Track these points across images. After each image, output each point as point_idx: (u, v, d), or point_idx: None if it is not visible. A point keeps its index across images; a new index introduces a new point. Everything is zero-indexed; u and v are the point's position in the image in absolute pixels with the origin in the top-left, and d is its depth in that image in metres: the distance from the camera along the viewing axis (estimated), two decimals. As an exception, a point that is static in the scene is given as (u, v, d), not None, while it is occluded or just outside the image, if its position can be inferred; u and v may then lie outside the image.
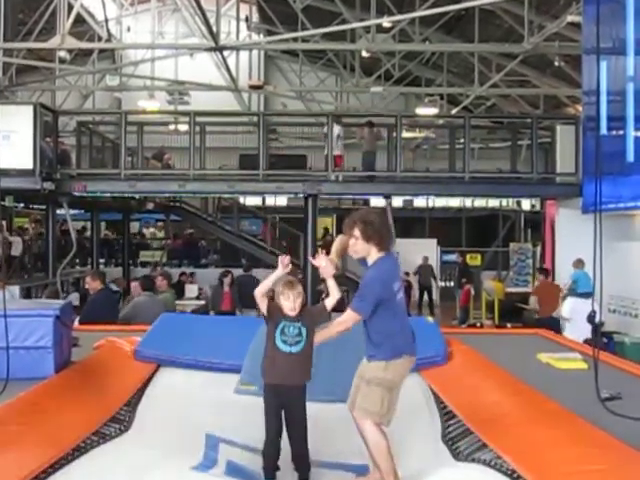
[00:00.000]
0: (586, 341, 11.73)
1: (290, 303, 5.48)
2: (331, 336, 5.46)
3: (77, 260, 23.88)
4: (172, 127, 28.63)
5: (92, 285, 11.02)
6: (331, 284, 5.60)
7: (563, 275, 15.56)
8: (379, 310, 5.28)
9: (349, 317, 5.33)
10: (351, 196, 26.77)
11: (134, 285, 12.22)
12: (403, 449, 5.58)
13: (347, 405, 5.54)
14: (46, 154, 16.00)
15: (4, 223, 19.45)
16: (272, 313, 5.53)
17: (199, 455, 5.52)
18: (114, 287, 13.95)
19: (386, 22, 20.41)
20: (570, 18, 17.16)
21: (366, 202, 33.21)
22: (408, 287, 23.06)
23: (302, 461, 5.48)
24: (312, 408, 5.76)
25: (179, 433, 5.88)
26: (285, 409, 5.48)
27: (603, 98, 12.86)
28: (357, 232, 5.42)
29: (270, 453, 5.45)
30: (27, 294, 16.92)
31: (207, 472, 5.26)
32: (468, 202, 33.80)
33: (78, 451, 4.95)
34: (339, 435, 5.94)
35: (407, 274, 23.79)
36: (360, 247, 5.45)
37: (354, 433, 5.50)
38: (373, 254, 5.45)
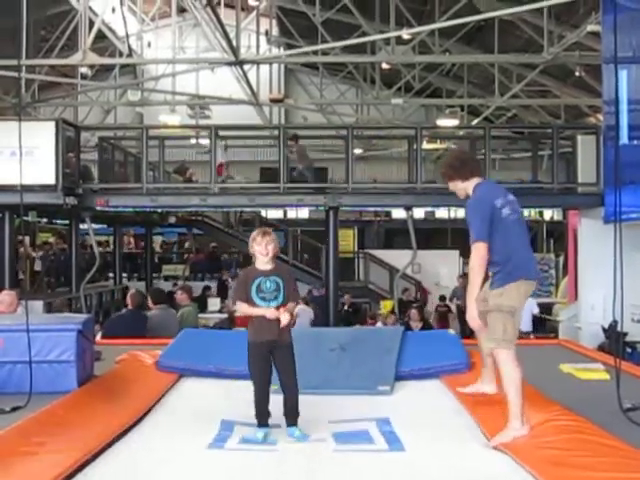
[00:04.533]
0: (601, 347, 11.73)
1: (262, 248, 5.71)
2: (477, 279, 5.44)
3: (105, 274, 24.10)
4: (193, 141, 28.78)
5: (128, 302, 11.17)
6: None
7: (586, 286, 15.49)
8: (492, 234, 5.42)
9: (478, 249, 5.39)
10: (372, 208, 26.72)
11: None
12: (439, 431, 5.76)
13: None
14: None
15: (27, 238, 19.60)
16: (245, 282, 5.77)
17: (214, 435, 5.64)
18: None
19: (406, 34, 20.41)
20: (590, 27, 17.12)
21: (388, 214, 33.27)
22: (447, 311, 21.99)
23: (293, 412, 5.74)
24: (333, 399, 6.55)
25: (197, 422, 5.99)
26: (276, 364, 5.74)
27: (624, 107, 12.81)
28: (446, 181, 5.86)
29: (259, 406, 5.71)
30: (50, 309, 17.00)
31: (222, 446, 5.36)
32: (490, 213, 33.67)
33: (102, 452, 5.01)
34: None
35: (443, 299, 22.96)
36: (455, 188, 5.83)
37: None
38: (468, 186, 5.72)
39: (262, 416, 5.72)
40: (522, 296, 5.54)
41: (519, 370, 5.37)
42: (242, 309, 5.78)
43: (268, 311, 5.65)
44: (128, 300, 11.18)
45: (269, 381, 5.75)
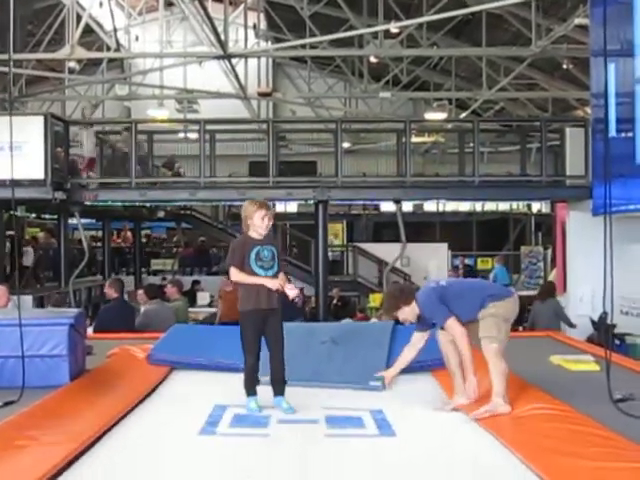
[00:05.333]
0: (590, 339, 11.78)
1: (265, 221, 5.82)
2: (469, 353, 5.98)
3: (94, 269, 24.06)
4: (182, 135, 28.72)
5: (108, 292, 11.13)
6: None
7: (575, 278, 15.56)
8: (452, 305, 6.00)
9: (452, 327, 5.97)
10: (361, 202, 26.76)
11: (139, 293, 12.27)
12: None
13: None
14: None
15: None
16: (242, 249, 5.82)
17: (206, 419, 5.68)
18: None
19: (394, 28, 20.41)
20: (578, 21, 17.17)
21: (377, 207, 33.28)
22: None
23: (281, 381, 5.90)
24: (326, 390, 6.68)
25: (189, 410, 6.03)
26: (267, 331, 5.85)
27: (612, 100, 12.85)
28: (395, 314, 6.37)
29: (251, 374, 5.86)
30: (40, 304, 16.97)
31: (214, 431, 5.40)
32: (478, 206, 33.71)
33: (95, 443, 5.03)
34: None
35: None
36: (405, 316, 6.29)
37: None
38: (413, 307, 6.18)
39: (252, 384, 5.84)
40: (513, 308, 6.12)
41: (506, 363, 5.78)
42: (240, 278, 5.79)
43: (271, 282, 5.70)
44: (109, 290, 11.15)
45: (260, 348, 5.84)
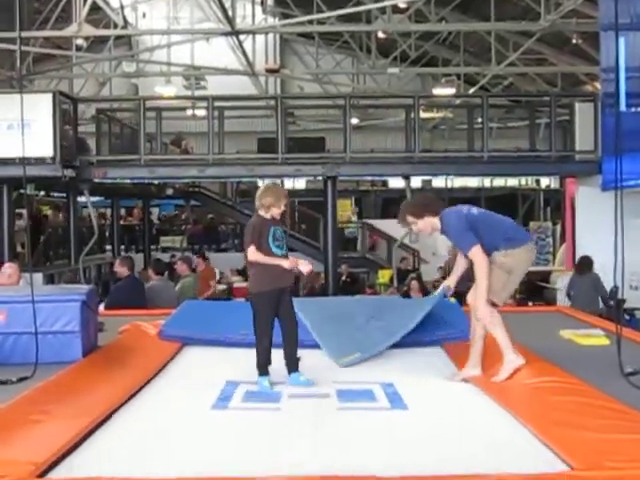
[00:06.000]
0: (599, 314, 11.75)
1: (281, 209, 5.95)
2: (485, 283, 5.83)
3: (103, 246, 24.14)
4: (189, 112, 28.69)
5: (120, 270, 11.11)
6: None
7: (584, 253, 15.52)
8: (478, 236, 5.89)
9: (475, 255, 5.85)
10: (370, 177, 26.69)
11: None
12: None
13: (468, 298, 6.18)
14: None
15: (24, 212, 19.57)
16: (260, 229, 5.90)
17: (218, 394, 5.71)
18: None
19: (402, 3, 20.34)
20: (587, -6, 17.09)
21: (385, 184, 33.24)
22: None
23: (293, 359, 5.94)
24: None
25: (201, 385, 6.05)
26: (281, 311, 5.92)
27: (622, 74, 12.80)
28: (409, 218, 6.18)
29: (265, 355, 5.91)
30: (50, 281, 17.04)
31: (226, 406, 5.44)
32: (487, 182, 33.61)
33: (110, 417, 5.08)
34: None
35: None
36: (421, 225, 6.16)
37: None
38: (435, 221, 6.09)
39: (265, 365, 5.89)
40: (525, 258, 6.07)
41: (497, 315, 5.94)
42: (258, 257, 5.84)
43: (286, 262, 5.82)
44: (120, 268, 11.08)
45: (273, 328, 5.92)
